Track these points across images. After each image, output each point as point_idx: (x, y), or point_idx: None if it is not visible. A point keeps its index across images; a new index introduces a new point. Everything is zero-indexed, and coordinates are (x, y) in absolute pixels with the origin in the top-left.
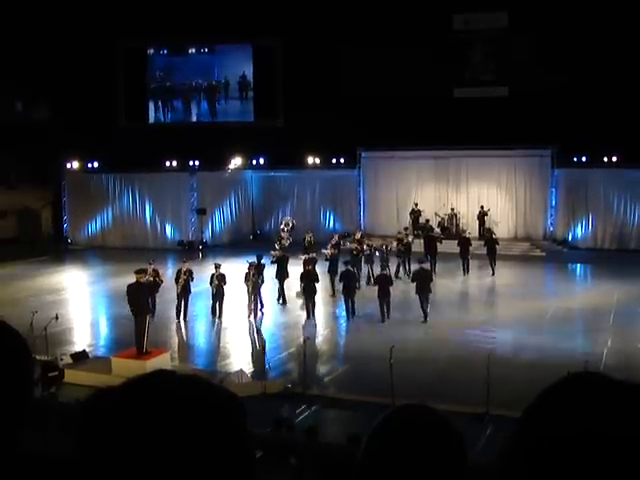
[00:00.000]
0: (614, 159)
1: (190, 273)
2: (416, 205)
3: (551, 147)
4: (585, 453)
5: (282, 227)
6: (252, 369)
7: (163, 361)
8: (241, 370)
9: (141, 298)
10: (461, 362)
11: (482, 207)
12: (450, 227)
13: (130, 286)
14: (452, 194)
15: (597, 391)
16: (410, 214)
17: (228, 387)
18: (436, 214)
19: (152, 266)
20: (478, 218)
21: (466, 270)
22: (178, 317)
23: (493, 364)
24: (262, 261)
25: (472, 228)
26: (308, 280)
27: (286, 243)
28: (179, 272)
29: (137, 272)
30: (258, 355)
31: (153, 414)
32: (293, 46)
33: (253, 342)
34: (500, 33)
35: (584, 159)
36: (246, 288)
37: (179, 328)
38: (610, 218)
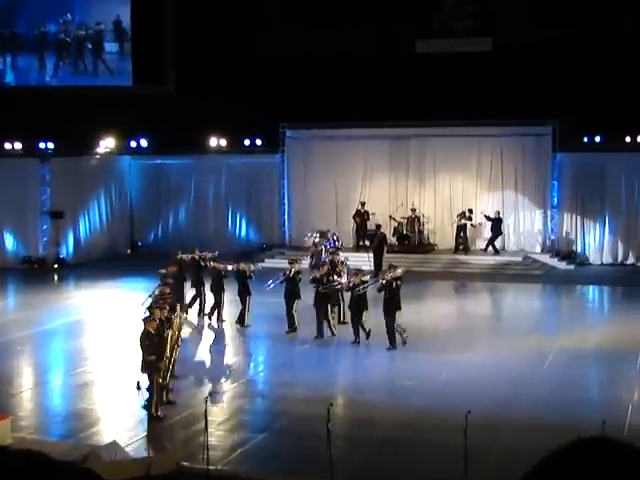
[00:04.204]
0: (639, 139)
1: None
2: (363, 205)
3: (552, 123)
4: None
5: (331, 235)
6: (133, 439)
7: (1, 431)
8: (114, 442)
9: None
10: (430, 422)
11: (464, 213)
12: (411, 235)
13: None
14: (414, 189)
15: (615, 466)
16: (354, 217)
17: (93, 466)
18: (391, 217)
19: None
20: (459, 228)
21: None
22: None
23: (473, 425)
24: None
25: (443, 237)
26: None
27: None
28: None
29: None
30: (142, 418)
31: None
32: None
33: (137, 399)
34: None
35: (598, 139)
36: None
37: (30, 384)
38: (635, 222)
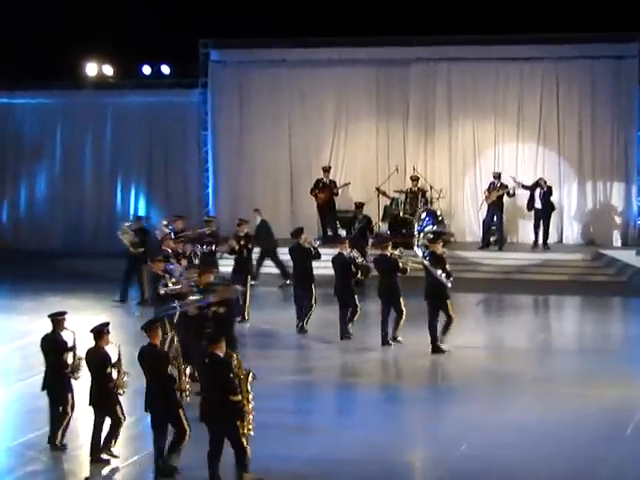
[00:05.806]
0: None
1: None
2: (326, 172)
3: (639, 40)
4: None
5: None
6: None
7: None
8: None
9: None
10: None
11: (494, 184)
12: (412, 220)
13: None
14: (416, 144)
15: None
16: (314, 192)
17: None
18: (379, 191)
19: None
20: (490, 209)
21: None
22: None
23: None
24: None
25: (463, 222)
26: None
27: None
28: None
29: None
30: None
31: None
32: None
33: None
34: None
35: None
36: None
37: None
38: None
